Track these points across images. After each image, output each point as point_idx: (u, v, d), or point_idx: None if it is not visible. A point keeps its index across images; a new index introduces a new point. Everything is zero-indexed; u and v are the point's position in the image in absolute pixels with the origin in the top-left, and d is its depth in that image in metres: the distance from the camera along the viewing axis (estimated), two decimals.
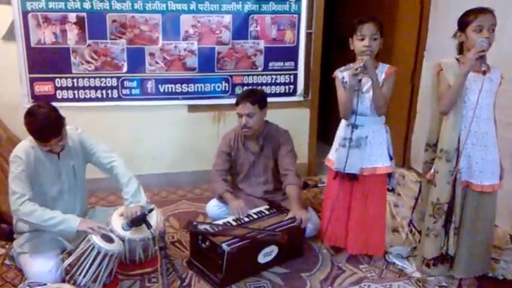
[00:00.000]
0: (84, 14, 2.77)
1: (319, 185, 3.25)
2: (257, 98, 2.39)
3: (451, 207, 1.99)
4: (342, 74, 2.10)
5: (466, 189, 2.00)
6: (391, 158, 2.12)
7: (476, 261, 2.06)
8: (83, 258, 1.91)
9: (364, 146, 2.05)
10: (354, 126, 2.02)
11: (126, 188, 2.14)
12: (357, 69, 1.92)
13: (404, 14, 3.36)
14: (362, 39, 1.99)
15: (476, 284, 2.11)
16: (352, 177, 2.08)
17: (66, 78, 2.86)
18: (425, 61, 3.32)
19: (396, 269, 2.26)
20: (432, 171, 2.05)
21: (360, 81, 1.96)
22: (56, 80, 2.85)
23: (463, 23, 1.91)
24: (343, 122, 2.15)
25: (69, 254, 1.99)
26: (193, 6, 2.91)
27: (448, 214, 2.00)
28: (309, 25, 3.14)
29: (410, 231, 2.22)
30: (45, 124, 1.91)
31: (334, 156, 2.17)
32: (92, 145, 2.19)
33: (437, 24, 3.23)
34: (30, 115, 1.93)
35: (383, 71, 2.06)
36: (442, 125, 1.99)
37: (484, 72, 1.85)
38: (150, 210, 2.07)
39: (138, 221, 2.03)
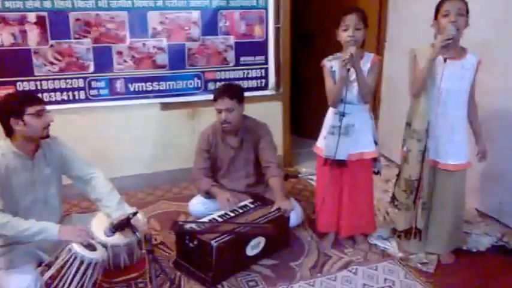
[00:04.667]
0: (45, 14, 2.63)
1: (299, 175, 3.31)
2: (235, 92, 2.39)
3: (420, 183, 2.12)
4: (331, 63, 2.14)
5: (434, 168, 2.14)
6: (376, 144, 2.22)
7: (449, 236, 2.19)
8: (64, 269, 1.80)
9: (352, 133, 2.12)
10: (342, 114, 2.08)
11: (109, 196, 2.06)
12: (344, 60, 1.97)
13: (364, 5, 3.47)
14: (346, 30, 2.05)
15: (453, 257, 2.24)
16: (341, 164, 2.14)
17: (28, 81, 2.70)
18: (386, 51, 3.45)
19: (379, 250, 2.34)
20: (405, 148, 2.17)
21: (348, 71, 2.01)
22: (18, 83, 2.69)
23: (435, 11, 2.01)
24: (330, 110, 2.21)
25: (49, 266, 1.86)
26: (160, 2, 2.85)
27: (417, 190, 2.14)
28: (277, 20, 3.17)
29: (393, 204, 2.30)
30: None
31: (322, 144, 2.22)
32: (72, 156, 2.09)
33: (397, 14, 3.36)
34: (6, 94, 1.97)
35: (368, 59, 2.12)
36: (415, 107, 2.10)
37: (445, 60, 1.97)
38: (135, 214, 2.01)
39: (122, 225, 1.96)
